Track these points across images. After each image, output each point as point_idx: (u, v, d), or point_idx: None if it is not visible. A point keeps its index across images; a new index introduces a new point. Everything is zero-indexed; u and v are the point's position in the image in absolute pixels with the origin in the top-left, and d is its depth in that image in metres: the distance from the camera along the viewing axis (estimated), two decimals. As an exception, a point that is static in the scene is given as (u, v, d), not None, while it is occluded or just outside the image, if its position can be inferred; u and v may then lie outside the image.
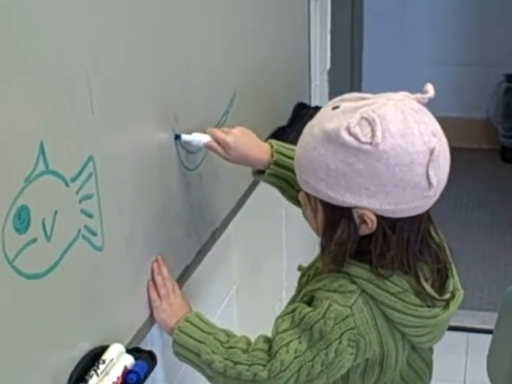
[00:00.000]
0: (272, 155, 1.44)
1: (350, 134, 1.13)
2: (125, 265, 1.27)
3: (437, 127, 1.18)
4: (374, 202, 1.16)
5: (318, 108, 2.33)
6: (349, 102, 1.20)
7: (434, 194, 1.19)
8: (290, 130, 2.14)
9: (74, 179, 1.09)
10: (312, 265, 1.38)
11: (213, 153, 1.47)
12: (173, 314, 1.35)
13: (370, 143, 1.13)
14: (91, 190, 1.14)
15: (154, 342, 1.46)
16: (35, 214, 1.00)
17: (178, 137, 1.42)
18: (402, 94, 1.20)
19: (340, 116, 1.17)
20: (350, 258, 1.23)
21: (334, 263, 1.24)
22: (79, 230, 1.12)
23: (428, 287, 1.23)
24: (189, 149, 1.47)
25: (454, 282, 1.29)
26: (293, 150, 1.32)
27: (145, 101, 1.30)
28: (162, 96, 1.36)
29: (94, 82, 1.12)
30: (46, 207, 1.04)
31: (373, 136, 1.13)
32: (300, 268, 1.41)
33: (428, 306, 1.24)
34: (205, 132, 1.45)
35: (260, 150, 1.45)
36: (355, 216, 1.19)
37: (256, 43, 1.85)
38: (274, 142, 1.47)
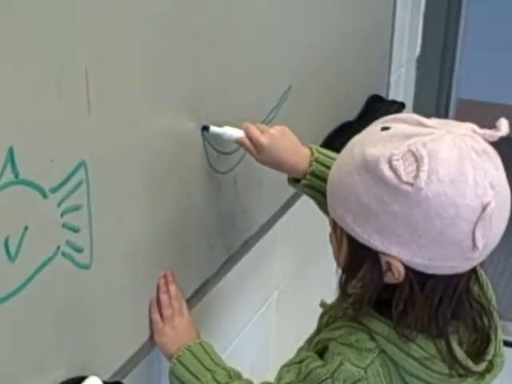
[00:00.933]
0: (311, 164, 1.24)
1: (391, 167, 0.94)
2: (120, 283, 1.11)
3: (500, 177, 0.96)
4: (404, 252, 0.96)
5: (393, 102, 2.11)
6: (402, 124, 0.99)
7: (480, 256, 0.98)
8: (356, 126, 1.93)
9: (55, 189, 0.93)
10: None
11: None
12: (175, 340, 1.19)
13: (412, 184, 0.93)
14: (80, 201, 0.98)
15: (162, 358, 1.31)
16: (-5, 231, 0.85)
17: (205, 128, 1.24)
18: (466, 127, 0.98)
19: (386, 142, 0.97)
20: (371, 308, 1.04)
21: (351, 308, 1.05)
22: (58, 247, 0.95)
23: (461, 354, 1.02)
24: (219, 148, 1.29)
25: (496, 345, 1.08)
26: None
27: (162, 91, 1.11)
28: (188, 85, 1.17)
29: (93, 72, 0.94)
30: (12, 223, 0.87)
31: (416, 176, 0.93)
32: (322, 304, 1.22)
33: (460, 376, 1.03)
34: (239, 127, 1.26)
35: (298, 156, 1.25)
36: (382, 261, 0.99)
37: (323, 24, 1.63)
38: (316, 148, 1.26)
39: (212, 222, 1.33)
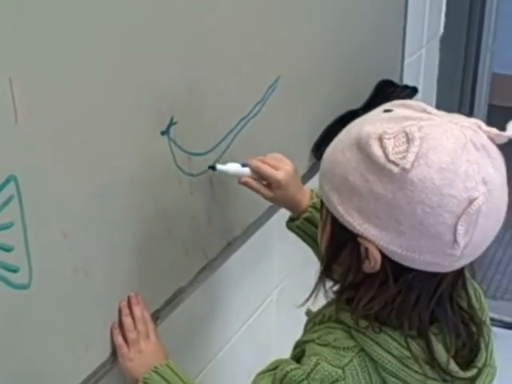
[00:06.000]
0: (312, 197, 1.25)
1: (381, 145, 0.89)
2: (70, 301, 1.03)
3: (496, 177, 0.89)
4: (382, 236, 0.90)
5: (407, 87, 1.99)
6: (406, 109, 0.94)
7: (461, 257, 0.90)
8: (363, 114, 1.81)
9: (-26, 209, 0.86)
10: (320, 311, 1.12)
11: (237, 149, 1.26)
12: (141, 364, 1.13)
13: (397, 164, 0.87)
14: (10, 218, 0.90)
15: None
16: None
17: (212, 168, 1.24)
18: (472, 122, 0.91)
19: (384, 122, 0.92)
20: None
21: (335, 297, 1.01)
22: (-15, 270, 0.89)
23: (444, 357, 0.95)
24: (189, 149, 1.21)
25: (487, 355, 1.01)
26: None
27: (112, 91, 1.02)
28: (147, 82, 1.08)
29: (20, 77, 0.86)
30: None
31: (404, 157, 0.87)
32: (308, 313, 1.15)
33: (444, 380, 0.96)
34: (245, 163, 1.23)
35: (302, 193, 1.26)
36: (361, 248, 0.93)
37: (317, 3, 1.50)
38: (316, 192, 1.25)
39: (184, 228, 1.25)
